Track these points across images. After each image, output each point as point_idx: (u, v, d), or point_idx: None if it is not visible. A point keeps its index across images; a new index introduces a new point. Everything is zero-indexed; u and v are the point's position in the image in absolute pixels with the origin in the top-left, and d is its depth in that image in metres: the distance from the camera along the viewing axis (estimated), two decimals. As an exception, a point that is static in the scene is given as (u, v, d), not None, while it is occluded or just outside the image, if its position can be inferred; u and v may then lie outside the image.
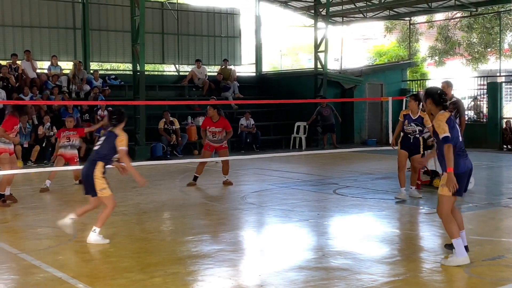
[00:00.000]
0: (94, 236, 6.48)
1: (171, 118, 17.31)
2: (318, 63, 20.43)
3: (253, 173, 13.23)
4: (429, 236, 6.94)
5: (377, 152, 15.68)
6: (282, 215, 8.21)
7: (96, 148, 6.63)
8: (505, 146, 18.48)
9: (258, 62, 23.65)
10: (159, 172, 12.28)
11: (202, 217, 8.15)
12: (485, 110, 19.51)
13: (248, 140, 18.81)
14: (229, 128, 11.18)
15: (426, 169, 10.66)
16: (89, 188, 6.50)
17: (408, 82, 22.63)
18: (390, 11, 22.80)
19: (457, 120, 10.23)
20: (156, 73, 25.56)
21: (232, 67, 22.40)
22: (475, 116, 20.00)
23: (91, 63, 20.67)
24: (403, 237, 6.87)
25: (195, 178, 11.17)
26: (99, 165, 6.45)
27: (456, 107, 10.31)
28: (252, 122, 19.10)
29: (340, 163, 14.62)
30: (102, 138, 6.65)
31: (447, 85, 10.52)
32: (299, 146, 19.25)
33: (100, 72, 20.15)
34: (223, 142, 11.15)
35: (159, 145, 16.75)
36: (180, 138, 17.19)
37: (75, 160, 10.85)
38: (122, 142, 6.52)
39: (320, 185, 11.04)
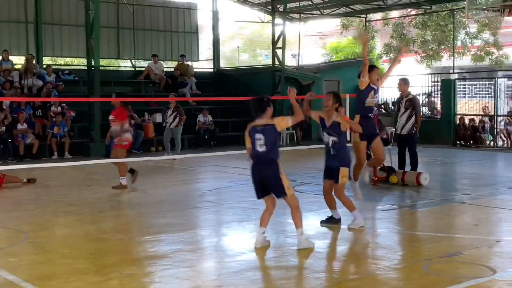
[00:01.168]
0: (303, 240, 6.10)
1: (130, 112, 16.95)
2: (276, 60, 20.43)
3: (211, 171, 13.13)
4: (387, 234, 6.99)
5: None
6: (241, 213, 8.15)
7: (262, 149, 6.06)
8: (458, 142, 18.87)
9: (216, 58, 23.51)
10: (114, 170, 12.07)
11: (160, 216, 8.01)
12: (439, 106, 19.87)
13: (206, 137, 18.69)
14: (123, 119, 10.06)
15: (382, 165, 10.74)
16: (277, 189, 6.09)
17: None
18: (347, 8, 22.99)
19: (413, 117, 10.47)
20: (111, 68, 25.11)
21: (189, 63, 22.21)
22: (429, 112, 20.35)
23: (44, 58, 20.15)
24: (362, 234, 6.89)
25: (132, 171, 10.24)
26: (279, 163, 6.03)
27: (412, 104, 10.54)
28: (210, 118, 18.98)
29: (299, 160, 14.64)
30: (259, 136, 6.06)
31: (404, 82, 10.66)
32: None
33: (54, 67, 19.66)
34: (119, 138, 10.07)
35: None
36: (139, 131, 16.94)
37: None
38: (281, 124, 6.04)
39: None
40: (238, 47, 35.17)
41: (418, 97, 13.04)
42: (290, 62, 28.28)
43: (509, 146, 18.35)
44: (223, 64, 26.05)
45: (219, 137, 18.98)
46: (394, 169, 10.69)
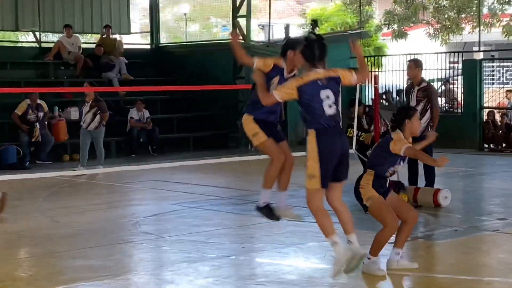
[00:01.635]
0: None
1: (39, 101, 16.59)
2: (238, 32, 20.24)
3: (149, 188, 12.94)
4: (396, 276, 6.88)
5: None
6: (192, 249, 8.01)
7: (332, 112, 6.16)
8: (486, 146, 19.02)
9: (154, 30, 23.30)
10: (13, 188, 11.74)
11: (77, 256, 7.81)
12: (459, 97, 20.01)
13: (141, 140, 18.51)
14: None
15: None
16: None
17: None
18: (334, -37, 23.11)
19: (428, 112, 10.47)
20: (6, 44, 24.64)
21: (117, 36, 21.90)
22: (446, 105, 20.48)
23: None
24: (368, 279, 6.77)
25: None
26: None
27: (427, 94, 10.55)
28: (147, 114, 18.79)
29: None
30: (328, 93, 6.11)
31: (416, 65, 10.66)
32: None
33: None
34: None
35: (12, 148, 16.07)
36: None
37: None
38: (347, 78, 6.34)
39: (245, 204, 10.89)
40: (185, 14, 34.86)
41: (433, 84, 13.08)
42: (257, 36, 28.25)
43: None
44: (164, 39, 25.80)
45: (160, 140, 18.81)
46: (404, 184, 10.61)
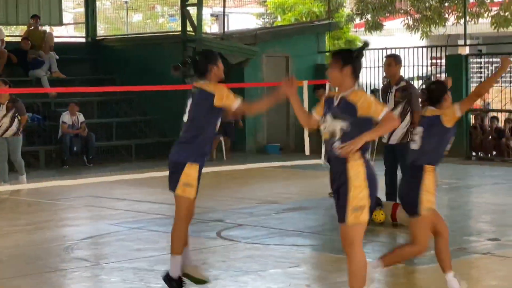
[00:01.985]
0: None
1: None
2: (188, 24, 20.16)
3: (83, 205, 12.80)
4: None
5: (288, 168, 15.62)
6: (134, 279, 7.88)
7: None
8: (474, 154, 19.12)
9: (90, 20, 23.09)
10: None
11: (-3, 288, 7.64)
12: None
13: (75, 149, 18.32)
14: None
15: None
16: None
17: (328, 53, 22.86)
18: None
19: (407, 116, 10.43)
20: None
21: (47, 28, 21.65)
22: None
23: None
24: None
25: None
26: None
27: (407, 95, 10.51)
28: (82, 119, 18.60)
29: (227, 185, 14.38)
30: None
31: (395, 61, 10.63)
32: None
33: None
34: None
35: None
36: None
37: None
38: None
39: (196, 223, 10.63)
40: (126, 2, 34.66)
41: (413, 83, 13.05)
42: (210, 27, 28.10)
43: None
44: (102, 31, 25.55)
45: (96, 148, 18.72)
46: (380, 200, 10.60)
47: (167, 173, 14.52)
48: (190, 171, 7.15)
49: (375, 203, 10.44)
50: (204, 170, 7.55)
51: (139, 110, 20.72)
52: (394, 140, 10.44)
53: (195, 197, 7.23)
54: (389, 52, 19.27)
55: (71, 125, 18.38)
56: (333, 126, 5.90)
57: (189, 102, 7.26)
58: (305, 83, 10.87)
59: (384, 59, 10.83)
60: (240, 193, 13.64)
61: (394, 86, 10.51)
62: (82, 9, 23.33)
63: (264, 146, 20.89)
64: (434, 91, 7.14)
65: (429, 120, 7.01)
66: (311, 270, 8.39)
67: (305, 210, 11.82)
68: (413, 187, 6.97)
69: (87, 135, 18.48)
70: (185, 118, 7.32)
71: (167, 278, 7.21)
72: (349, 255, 6.15)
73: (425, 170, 6.93)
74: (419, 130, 7.09)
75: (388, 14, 26.22)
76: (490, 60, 23.56)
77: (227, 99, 7.02)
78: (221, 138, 19.24)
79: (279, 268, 8.20)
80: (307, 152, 10.69)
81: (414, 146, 7.07)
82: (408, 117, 10.42)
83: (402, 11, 25.97)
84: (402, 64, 11.35)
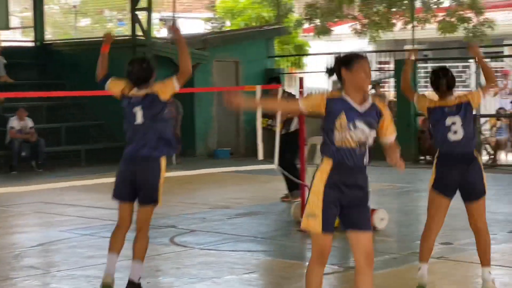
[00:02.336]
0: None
1: None
2: (138, 28, 19.98)
3: (34, 211, 12.52)
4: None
5: (242, 172, 15.49)
6: (87, 287, 7.71)
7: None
8: (423, 157, 19.19)
9: (38, 25, 22.77)
10: None
11: None
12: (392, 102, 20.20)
13: (23, 154, 18.10)
14: None
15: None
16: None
17: (277, 58, 22.84)
18: None
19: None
20: None
21: (-7, 32, 21.32)
22: (377, 111, 20.61)
23: None
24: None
25: None
26: None
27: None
28: (31, 124, 18.35)
29: (179, 191, 14.16)
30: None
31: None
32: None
33: None
34: None
35: None
36: None
37: None
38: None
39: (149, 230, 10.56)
40: (74, 7, 34.29)
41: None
42: (159, 31, 27.90)
43: (495, 162, 18.90)
44: (50, 35, 25.21)
45: (46, 153, 18.47)
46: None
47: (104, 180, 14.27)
48: None
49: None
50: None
51: (89, 115, 20.46)
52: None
53: None
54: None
55: (19, 130, 18.16)
56: (368, 135, 5.48)
57: None
58: (258, 88, 10.72)
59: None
60: (192, 198, 13.51)
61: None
62: (29, 13, 22.93)
63: (214, 151, 20.78)
64: (451, 78, 7.01)
65: (464, 106, 6.91)
66: (266, 277, 8.29)
67: (257, 215, 11.74)
68: (476, 175, 6.99)
69: (36, 140, 18.25)
70: None
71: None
72: (370, 265, 5.76)
73: (476, 155, 6.99)
74: (456, 119, 6.94)
75: (337, 19, 26.29)
76: (437, 64, 23.73)
77: None
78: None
79: (234, 275, 8.10)
80: (260, 157, 10.55)
81: (456, 136, 6.95)
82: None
83: (350, 16, 26.06)
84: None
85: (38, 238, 10.37)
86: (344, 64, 5.52)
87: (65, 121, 20.18)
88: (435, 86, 6.99)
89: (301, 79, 10.67)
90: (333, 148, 5.44)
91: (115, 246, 7.33)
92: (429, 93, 7.78)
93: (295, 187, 12.15)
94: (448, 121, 6.92)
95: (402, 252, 9.10)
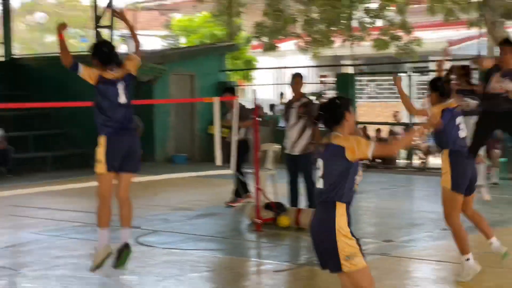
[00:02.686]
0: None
1: None
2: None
3: (5, 214, 12.02)
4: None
5: (197, 177, 15.23)
6: (57, 286, 7.42)
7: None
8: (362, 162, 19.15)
9: (7, 40, 22.23)
10: None
11: None
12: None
13: (-7, 160, 17.54)
14: None
15: (268, 201, 10.43)
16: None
17: (229, 72, 22.69)
18: (202, -29, 22.79)
19: (308, 130, 10.27)
20: None
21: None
22: (320, 121, 20.55)
23: None
24: None
25: None
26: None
27: (308, 110, 10.34)
28: (0, 132, 17.84)
29: (141, 194, 13.73)
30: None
31: (301, 79, 10.50)
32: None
33: None
34: None
35: None
36: None
37: None
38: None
39: (115, 230, 10.24)
40: (40, 24, 33.63)
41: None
42: (120, 47, 27.40)
43: (425, 166, 18.96)
44: (17, 50, 24.66)
45: (15, 160, 18.02)
46: (284, 206, 10.40)
47: (84, 183, 13.99)
48: None
49: (280, 209, 10.33)
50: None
51: (54, 124, 20.01)
52: (297, 151, 10.28)
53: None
54: (283, 71, 19.46)
55: (-10, 138, 17.69)
56: None
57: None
58: (216, 100, 10.55)
59: (291, 77, 10.59)
60: (154, 201, 13.12)
61: (296, 102, 10.35)
62: (-1, 30, 22.42)
63: (172, 156, 20.49)
64: (446, 85, 7.23)
65: (458, 110, 7.22)
66: (225, 274, 8.06)
67: (215, 216, 11.51)
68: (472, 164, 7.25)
69: (5, 147, 17.79)
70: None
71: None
72: None
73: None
74: (461, 119, 7.17)
75: (282, 37, 26.22)
76: (371, 78, 23.89)
77: None
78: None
79: (196, 273, 7.89)
80: (218, 162, 10.33)
81: (463, 133, 7.17)
82: (308, 130, 10.29)
83: (294, 34, 25.97)
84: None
85: (8, 240, 9.99)
86: (348, 107, 5.05)
87: (32, 129, 19.72)
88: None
89: (254, 92, 10.51)
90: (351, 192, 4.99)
91: (105, 220, 7.35)
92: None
93: (244, 192, 11.95)
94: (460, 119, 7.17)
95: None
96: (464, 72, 10.21)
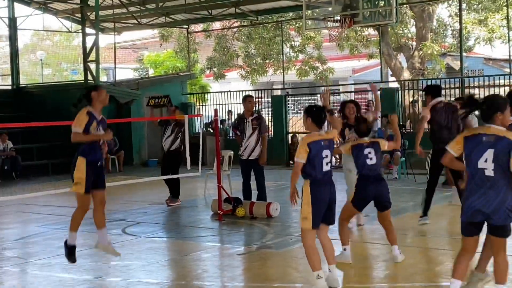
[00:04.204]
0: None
1: None
2: (89, 75, 18.79)
3: (15, 211, 11.21)
4: None
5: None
6: (60, 270, 6.75)
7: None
8: (291, 162, 18.72)
9: (15, 72, 21.18)
10: None
11: None
12: (269, 125, 19.65)
13: (6, 167, 16.62)
14: None
15: (227, 196, 9.84)
16: None
17: (189, 95, 22.12)
18: (167, 18, 22.02)
19: (259, 138, 9.74)
20: None
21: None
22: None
23: None
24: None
25: None
26: None
27: (260, 123, 9.82)
28: (11, 145, 16.94)
29: (124, 191, 13.08)
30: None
31: (253, 100, 10.04)
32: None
33: None
34: None
35: None
36: None
37: None
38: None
39: (106, 223, 9.55)
40: (41, 60, 32.34)
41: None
42: (101, 78, 26.52)
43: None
44: (23, 81, 23.54)
45: (22, 166, 17.05)
46: (241, 200, 9.83)
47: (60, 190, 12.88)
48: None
49: (237, 202, 9.75)
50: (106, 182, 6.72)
51: (54, 137, 19.05)
52: (253, 156, 9.72)
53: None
54: (230, 94, 19.03)
55: (2, 150, 16.67)
56: None
57: None
58: (186, 117, 9.93)
59: (244, 97, 10.03)
60: (134, 197, 12.40)
61: (250, 117, 9.82)
62: (8, 65, 21.33)
63: (146, 161, 19.75)
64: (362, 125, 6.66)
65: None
66: (199, 257, 7.45)
67: (186, 208, 10.83)
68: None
69: (14, 156, 16.84)
70: None
71: (65, 243, 6.55)
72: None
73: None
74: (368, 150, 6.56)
75: (228, 68, 25.89)
76: (294, 99, 23.81)
77: (75, 123, 6.41)
78: (114, 157, 18.08)
79: (177, 256, 7.28)
80: (188, 167, 9.66)
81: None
82: (260, 138, 9.79)
83: (238, 65, 25.64)
84: (238, 102, 10.72)
85: (19, 233, 9.29)
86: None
87: (36, 142, 18.76)
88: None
89: (215, 110, 9.92)
90: None
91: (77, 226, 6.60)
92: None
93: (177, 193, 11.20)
94: None
95: (296, 234, 8.31)
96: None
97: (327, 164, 5.55)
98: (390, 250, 6.58)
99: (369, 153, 6.43)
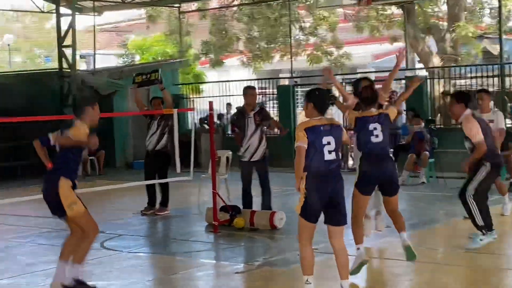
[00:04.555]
0: None
1: None
2: (64, 62, 18.86)
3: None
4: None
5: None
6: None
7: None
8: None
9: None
10: None
11: None
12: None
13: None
14: None
15: (224, 204, 9.81)
16: None
17: (181, 86, 22.11)
18: (154, -4, 22.11)
19: (262, 136, 9.76)
20: None
21: None
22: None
23: None
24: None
25: None
26: None
27: (263, 117, 9.85)
28: (-27, 145, 16.90)
29: (103, 197, 12.93)
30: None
31: (255, 91, 10.08)
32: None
33: None
34: None
35: None
36: None
37: None
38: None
39: (81, 235, 9.53)
40: (8, 45, 32.48)
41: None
42: (80, 65, 26.58)
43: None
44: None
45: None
46: (240, 208, 9.80)
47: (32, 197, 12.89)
48: None
49: (236, 212, 9.71)
50: (82, 185, 6.66)
51: (25, 135, 18.96)
52: (256, 157, 9.71)
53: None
54: (229, 84, 19.17)
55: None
56: None
57: None
58: (175, 112, 9.95)
59: (245, 89, 10.04)
60: (116, 205, 12.37)
61: (251, 112, 9.82)
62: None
63: (131, 163, 19.79)
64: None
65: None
66: (190, 276, 7.41)
67: (175, 218, 10.78)
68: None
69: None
70: None
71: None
72: None
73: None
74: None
75: (227, 53, 25.88)
76: (304, 89, 23.75)
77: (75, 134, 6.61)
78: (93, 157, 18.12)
79: (165, 275, 7.25)
80: (178, 170, 9.64)
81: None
82: (265, 136, 9.81)
83: (238, 51, 25.65)
84: (239, 93, 10.76)
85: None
86: None
87: (3, 141, 18.79)
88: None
89: (211, 103, 9.90)
90: None
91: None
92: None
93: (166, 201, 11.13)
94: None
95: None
96: None
97: (329, 152, 5.48)
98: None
99: (375, 129, 6.42)
